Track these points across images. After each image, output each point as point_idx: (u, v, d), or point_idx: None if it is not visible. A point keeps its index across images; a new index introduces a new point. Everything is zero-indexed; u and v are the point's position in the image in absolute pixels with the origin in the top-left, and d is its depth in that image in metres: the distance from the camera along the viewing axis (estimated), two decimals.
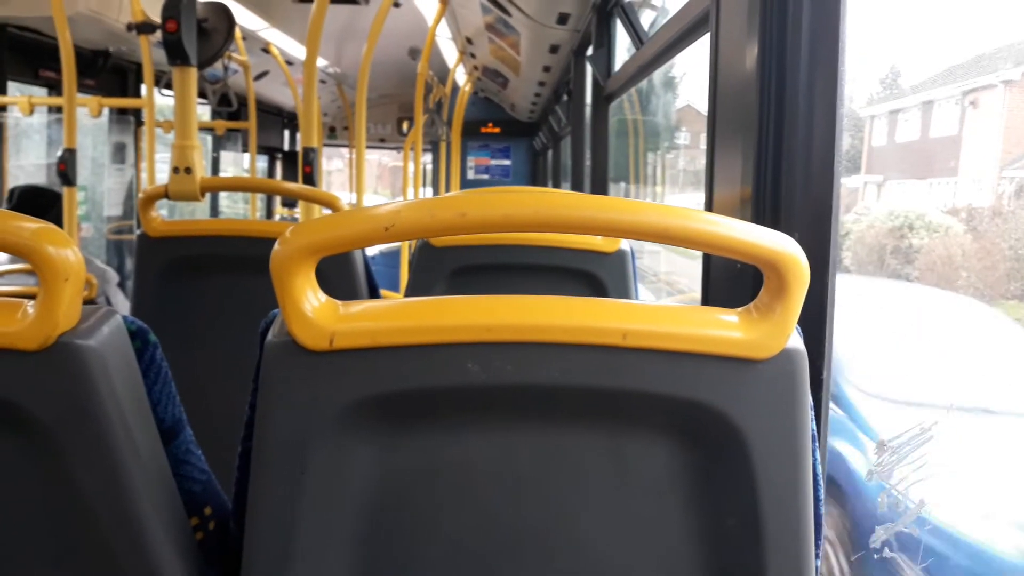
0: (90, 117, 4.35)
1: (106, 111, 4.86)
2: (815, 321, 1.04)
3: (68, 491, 0.69)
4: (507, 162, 8.70)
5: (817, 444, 0.75)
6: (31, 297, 0.68)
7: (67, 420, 0.67)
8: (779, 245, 0.67)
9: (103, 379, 0.68)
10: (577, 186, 3.87)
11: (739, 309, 0.71)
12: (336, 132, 9.17)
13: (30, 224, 0.66)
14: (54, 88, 4.41)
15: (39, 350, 0.66)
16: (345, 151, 9.78)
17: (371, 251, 7.40)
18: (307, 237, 0.66)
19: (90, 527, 0.70)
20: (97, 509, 0.70)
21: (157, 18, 3.71)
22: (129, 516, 0.70)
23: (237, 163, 7.81)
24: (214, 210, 7.34)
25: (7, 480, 0.70)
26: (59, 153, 3.53)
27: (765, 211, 1.13)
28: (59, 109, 4.10)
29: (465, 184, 8.17)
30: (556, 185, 6.63)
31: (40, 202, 3.08)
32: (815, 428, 0.74)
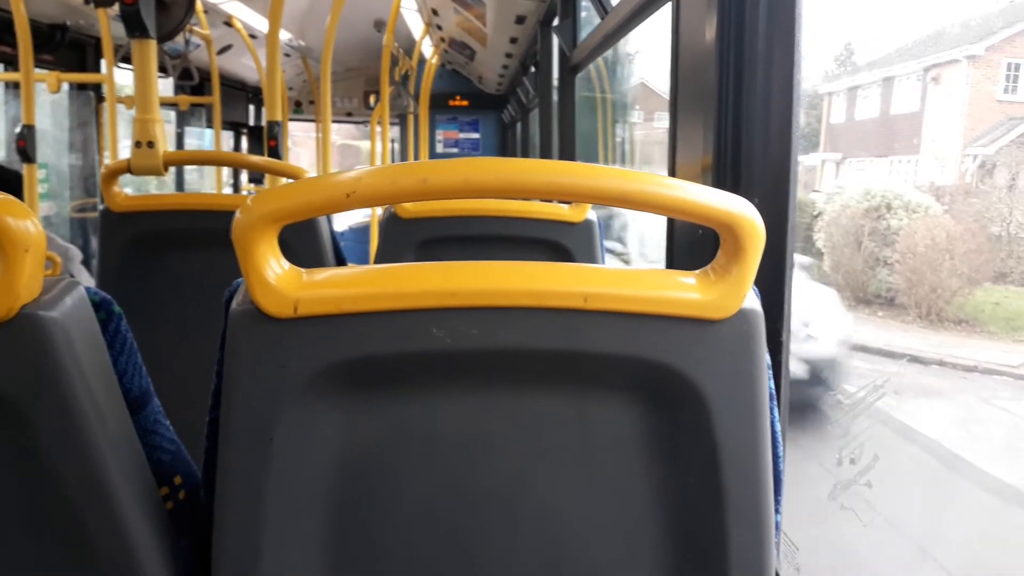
0: (49, 93, 4.26)
1: (65, 87, 4.76)
2: (774, 282, 1.06)
3: (36, 463, 0.70)
4: (476, 135, 8.65)
5: (776, 403, 0.77)
6: None
7: (32, 392, 0.68)
8: (735, 208, 0.69)
9: (67, 350, 0.68)
10: (546, 157, 3.87)
11: (697, 271, 0.73)
12: (302, 106, 9.05)
13: None
14: (10, 63, 4.30)
15: (0, 322, 0.66)
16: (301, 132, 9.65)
17: (340, 226, 7.34)
18: (269, 204, 0.66)
19: (60, 499, 0.71)
20: (66, 480, 0.70)
21: None
22: (98, 487, 0.71)
23: (202, 139, 7.69)
24: (179, 187, 7.23)
25: None
26: (17, 129, 3.46)
27: (726, 178, 1.15)
28: (16, 85, 4.01)
29: (433, 157, 8.12)
30: (525, 157, 6.61)
31: (6, 180, 3.02)
32: (774, 387, 0.77)
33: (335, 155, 15.54)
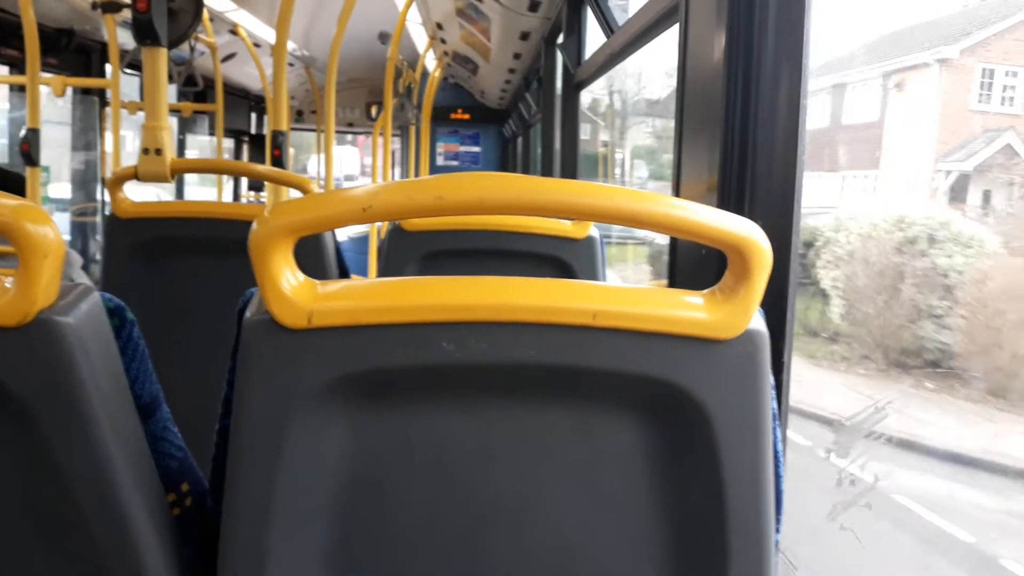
0: (53, 97, 4.27)
1: (69, 91, 4.77)
2: (776, 304, 1.07)
3: (46, 467, 0.70)
4: (476, 149, 8.67)
5: (778, 423, 0.78)
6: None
7: (46, 396, 0.68)
8: (743, 230, 0.70)
9: (81, 356, 0.69)
10: (547, 173, 3.89)
11: (704, 291, 0.74)
12: (304, 116, 9.07)
13: (8, 201, 0.66)
14: (16, 67, 4.32)
15: (18, 327, 0.67)
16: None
17: (340, 236, 7.33)
18: (287, 217, 0.67)
19: (68, 503, 0.71)
20: (75, 485, 0.71)
21: None
22: (107, 492, 0.71)
23: (202, 146, 7.70)
24: (180, 194, 7.24)
25: None
26: (22, 133, 3.46)
27: (730, 198, 1.17)
28: (22, 88, 4.02)
29: (434, 170, 8.14)
30: (525, 172, 6.63)
31: (9, 183, 3.03)
32: (776, 407, 0.77)
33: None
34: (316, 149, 9.29)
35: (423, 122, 6.57)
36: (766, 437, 0.73)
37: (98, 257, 4.96)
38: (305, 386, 0.70)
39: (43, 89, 3.84)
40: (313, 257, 1.73)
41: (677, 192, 1.36)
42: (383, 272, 1.72)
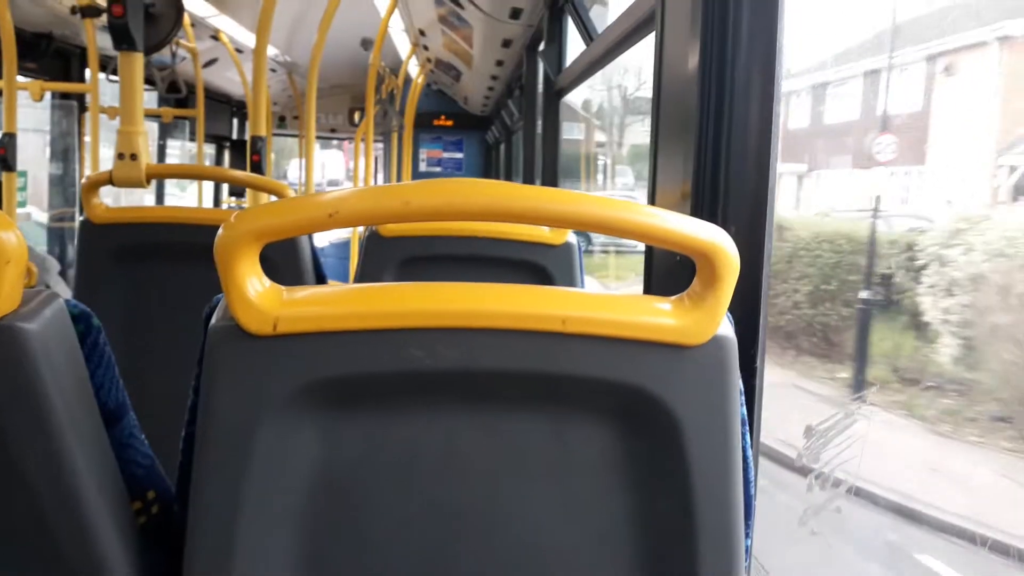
0: (31, 101, 4.23)
1: (48, 96, 4.73)
2: (748, 310, 1.08)
3: (10, 474, 0.69)
4: (460, 155, 8.68)
5: (748, 428, 0.79)
6: None
7: (8, 403, 0.67)
8: (711, 237, 0.70)
9: (44, 362, 0.68)
10: (528, 180, 3.90)
11: (673, 297, 0.74)
12: (286, 121, 9.05)
13: None
14: None
15: None
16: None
17: (321, 242, 7.33)
18: (252, 223, 0.67)
19: (32, 510, 0.70)
20: (39, 492, 0.70)
21: (102, 1, 3.63)
22: (71, 499, 0.71)
23: (183, 152, 7.66)
24: (160, 200, 7.20)
25: None
26: None
27: (704, 205, 1.17)
28: None
29: (417, 176, 8.14)
30: (508, 179, 6.65)
31: None
32: (746, 413, 0.78)
33: None
34: (299, 154, 9.25)
35: (406, 128, 6.57)
36: (735, 442, 0.74)
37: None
38: (271, 393, 0.69)
39: (21, 94, 3.80)
40: (289, 262, 1.72)
41: (652, 198, 1.36)
42: (359, 278, 1.71)
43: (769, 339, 1.10)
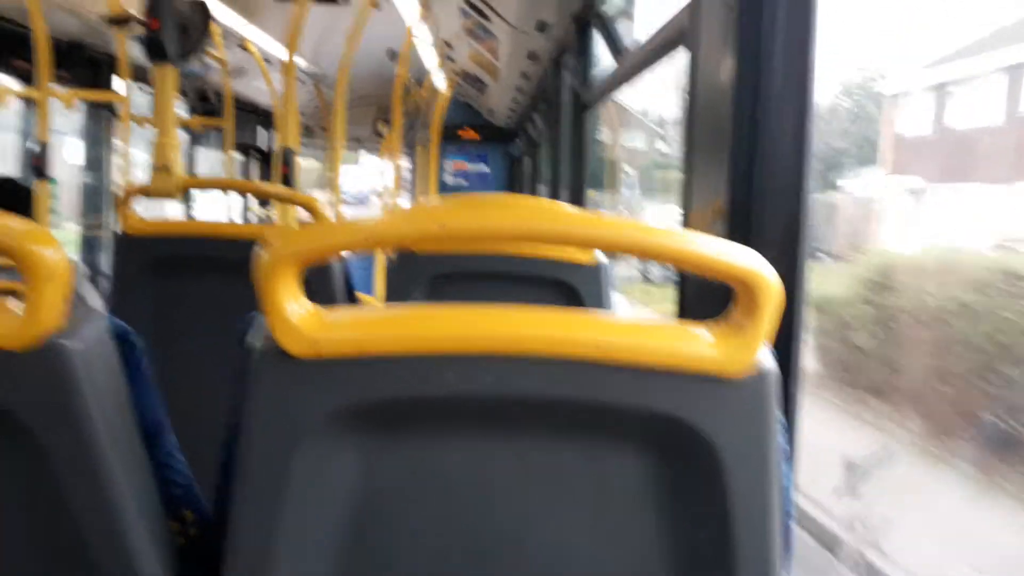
0: (63, 110, 4.30)
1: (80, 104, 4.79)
2: (784, 338, 1.07)
3: (50, 491, 0.70)
4: (484, 167, 8.69)
5: (787, 460, 0.77)
6: (9, 293, 0.69)
7: (50, 420, 0.68)
8: (751, 264, 0.69)
9: (87, 381, 0.68)
10: (554, 194, 3.89)
11: (712, 326, 0.73)
12: (313, 132, 9.11)
13: (16, 225, 0.66)
14: (25, 79, 4.34)
15: (24, 351, 0.67)
16: None
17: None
18: (293, 246, 0.67)
19: (71, 528, 0.71)
20: (79, 510, 0.70)
21: (134, 11, 3.68)
22: (110, 518, 0.71)
23: (211, 160, 7.73)
24: (187, 208, 7.27)
25: None
26: (32, 146, 3.48)
27: (737, 227, 1.16)
28: (31, 100, 4.04)
29: (442, 188, 8.16)
30: (533, 192, 6.64)
31: (17, 197, 3.05)
32: (786, 445, 0.77)
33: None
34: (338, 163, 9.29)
35: (432, 140, 6.59)
36: (775, 475, 0.72)
37: (105, 270, 4.97)
38: (311, 416, 0.69)
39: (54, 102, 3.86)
40: (322, 280, 1.73)
41: (685, 219, 1.36)
42: (389, 294, 1.72)
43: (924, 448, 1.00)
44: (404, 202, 7.74)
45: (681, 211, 1.39)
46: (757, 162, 1.15)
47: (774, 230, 1.13)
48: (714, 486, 0.72)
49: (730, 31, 1.18)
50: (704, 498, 0.72)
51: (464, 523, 0.74)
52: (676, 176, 1.43)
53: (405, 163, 8.90)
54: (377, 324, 0.70)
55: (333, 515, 0.72)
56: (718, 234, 1.18)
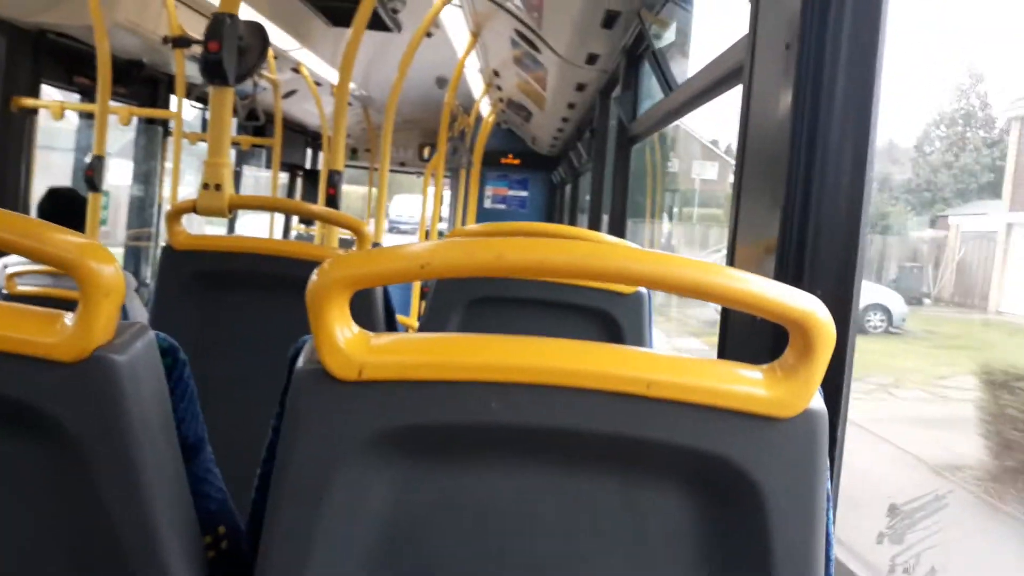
0: (119, 125, 4.41)
1: (134, 120, 4.92)
2: (833, 380, 1.04)
3: (89, 501, 0.70)
4: (524, 193, 8.73)
5: (830, 504, 0.75)
6: (59, 300, 0.69)
7: (95, 432, 0.68)
8: (808, 306, 0.68)
9: (133, 394, 0.69)
10: (594, 224, 3.89)
11: (763, 366, 0.72)
12: (358, 153, 9.24)
13: (75, 239, 0.67)
14: (86, 95, 4.47)
15: (74, 362, 0.67)
16: None
17: None
18: (344, 271, 0.67)
19: (107, 538, 0.71)
20: (115, 521, 0.70)
21: (193, 33, 3.77)
22: (146, 530, 0.71)
23: (257, 178, 7.88)
24: (231, 223, 7.39)
25: (31, 486, 0.71)
26: (88, 159, 3.57)
27: (789, 266, 1.14)
28: (89, 115, 4.15)
29: (481, 213, 8.21)
30: (572, 221, 6.65)
31: (73, 206, 3.13)
32: (830, 489, 0.74)
33: None
34: (370, 184, 9.37)
35: (474, 165, 6.64)
36: (820, 519, 0.71)
37: (148, 281, 5.07)
38: (351, 438, 0.69)
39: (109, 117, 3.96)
40: (364, 303, 1.73)
41: (732, 256, 1.34)
42: (428, 316, 1.72)
43: None
44: (443, 226, 7.80)
45: (728, 248, 1.38)
46: (812, 201, 1.14)
47: (828, 272, 1.11)
48: (757, 529, 0.70)
49: (790, 69, 1.17)
50: (747, 540, 0.71)
51: (497, 553, 0.73)
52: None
53: (446, 188, 8.98)
54: (422, 350, 0.70)
55: (367, 537, 0.71)
56: (767, 272, 1.17)
